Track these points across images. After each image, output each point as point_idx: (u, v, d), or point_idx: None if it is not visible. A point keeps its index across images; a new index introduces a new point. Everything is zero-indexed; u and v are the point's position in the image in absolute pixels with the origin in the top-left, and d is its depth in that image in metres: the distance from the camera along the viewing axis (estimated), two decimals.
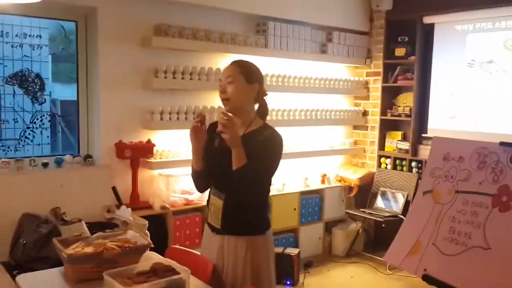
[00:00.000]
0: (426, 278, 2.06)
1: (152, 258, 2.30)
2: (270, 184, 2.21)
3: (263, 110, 2.28)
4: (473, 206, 2.05)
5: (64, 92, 4.12)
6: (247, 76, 2.16)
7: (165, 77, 3.82)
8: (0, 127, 3.61)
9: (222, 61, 4.26)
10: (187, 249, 2.41)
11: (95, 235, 2.32)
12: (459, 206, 2.10)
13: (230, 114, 2.04)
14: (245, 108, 2.20)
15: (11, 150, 3.58)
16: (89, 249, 2.16)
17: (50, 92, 3.85)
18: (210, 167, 2.20)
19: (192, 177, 2.30)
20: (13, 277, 2.33)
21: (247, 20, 4.46)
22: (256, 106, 2.27)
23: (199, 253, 2.34)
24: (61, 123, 3.99)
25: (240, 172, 2.03)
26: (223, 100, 2.17)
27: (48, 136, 3.76)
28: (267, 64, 4.55)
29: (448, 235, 2.08)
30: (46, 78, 3.75)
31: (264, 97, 2.26)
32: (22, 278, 2.08)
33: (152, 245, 2.26)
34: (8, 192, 3.22)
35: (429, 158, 2.44)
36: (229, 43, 4.14)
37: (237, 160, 2.03)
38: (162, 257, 2.37)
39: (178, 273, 1.99)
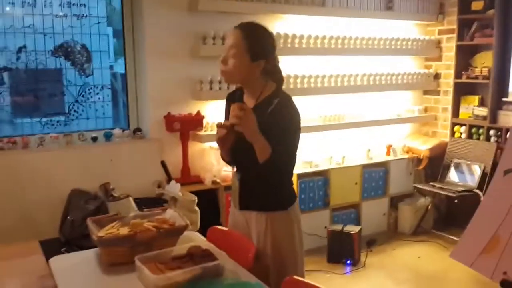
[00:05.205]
0: (506, 284, 1.69)
1: (192, 239, 2.16)
2: (295, 158, 2.04)
3: (278, 80, 2.04)
4: None
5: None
6: (253, 53, 1.93)
7: (213, 44, 3.64)
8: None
9: (276, 23, 3.99)
10: (229, 230, 2.24)
11: (132, 214, 2.21)
12: None
13: (245, 106, 1.90)
14: (248, 80, 2.01)
15: (60, 124, 3.54)
16: (124, 230, 2.02)
17: (111, 65, 3.84)
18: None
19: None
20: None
21: None
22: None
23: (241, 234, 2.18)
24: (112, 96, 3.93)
25: (268, 163, 1.90)
26: (222, 71, 1.99)
27: (96, 110, 3.69)
28: (324, 25, 4.30)
29: None
30: (97, 51, 3.64)
31: (276, 65, 2.03)
32: (54, 260, 1.99)
33: (190, 226, 2.11)
34: (58, 167, 3.24)
35: None
36: (282, 2, 3.88)
37: (261, 153, 1.90)
38: (204, 238, 2.24)
39: (216, 259, 1.83)
